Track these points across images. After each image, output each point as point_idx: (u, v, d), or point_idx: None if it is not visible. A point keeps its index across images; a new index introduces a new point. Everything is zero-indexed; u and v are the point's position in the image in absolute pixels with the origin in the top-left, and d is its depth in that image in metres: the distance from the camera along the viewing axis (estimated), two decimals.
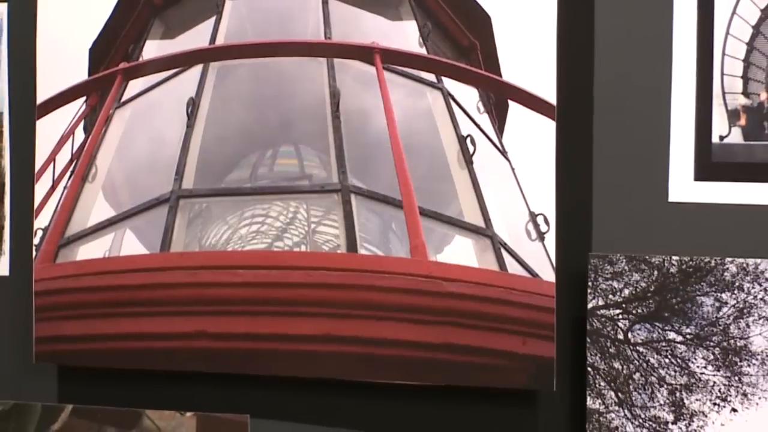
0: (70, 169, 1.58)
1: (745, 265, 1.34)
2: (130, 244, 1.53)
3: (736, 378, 1.34)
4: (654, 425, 1.37)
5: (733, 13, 1.37)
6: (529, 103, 1.40)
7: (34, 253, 1.58)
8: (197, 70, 1.54)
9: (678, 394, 1.36)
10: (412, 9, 1.47)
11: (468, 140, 1.45)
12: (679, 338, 1.36)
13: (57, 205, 1.57)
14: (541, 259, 1.39)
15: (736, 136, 1.39)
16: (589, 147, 1.43)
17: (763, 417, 1.34)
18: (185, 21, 1.56)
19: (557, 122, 1.38)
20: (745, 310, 1.34)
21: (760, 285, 1.34)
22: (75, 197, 1.57)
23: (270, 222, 1.50)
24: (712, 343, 1.35)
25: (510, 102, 1.42)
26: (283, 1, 1.51)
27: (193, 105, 1.54)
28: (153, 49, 1.56)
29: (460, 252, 1.42)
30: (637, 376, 1.37)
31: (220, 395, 1.54)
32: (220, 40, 1.53)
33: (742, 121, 1.38)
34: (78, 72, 1.57)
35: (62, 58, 1.57)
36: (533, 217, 1.40)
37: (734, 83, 1.38)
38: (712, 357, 1.35)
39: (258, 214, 1.51)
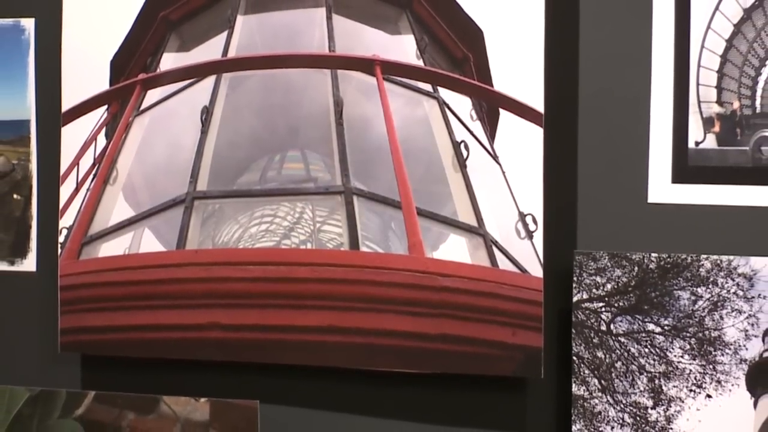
0: (93, 172, 1.57)
1: (719, 261, 1.34)
2: (149, 242, 1.53)
3: (711, 366, 1.35)
4: (634, 410, 1.37)
5: (708, 27, 1.38)
6: (518, 111, 1.40)
7: (59, 250, 1.58)
8: (211, 80, 1.54)
9: (657, 382, 1.36)
10: (410, 24, 1.47)
11: (462, 145, 1.45)
12: (658, 329, 1.36)
13: (80, 206, 1.57)
14: (529, 255, 1.39)
15: (710, 142, 1.39)
16: (574, 152, 1.43)
17: (735, 402, 1.34)
18: (199, 35, 1.55)
19: (545, 129, 1.38)
20: (719, 304, 1.34)
21: (733, 280, 1.34)
22: (97, 198, 1.56)
23: (278, 222, 1.50)
24: (688, 334, 1.35)
25: (501, 110, 1.41)
26: (291, 17, 1.51)
27: (206, 113, 1.53)
28: (169, 61, 1.56)
29: (454, 249, 1.42)
30: (618, 364, 1.37)
31: (232, 382, 1.55)
32: (231, 53, 1.53)
33: (716, 128, 1.39)
34: (100, 82, 1.57)
35: (85, 70, 1.57)
36: (522, 217, 1.40)
37: (709, 93, 1.38)
38: (688, 347, 1.35)
39: (267, 214, 1.51)
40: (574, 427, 1.39)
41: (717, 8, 1.37)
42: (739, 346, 1.34)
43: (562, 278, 1.41)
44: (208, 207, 1.53)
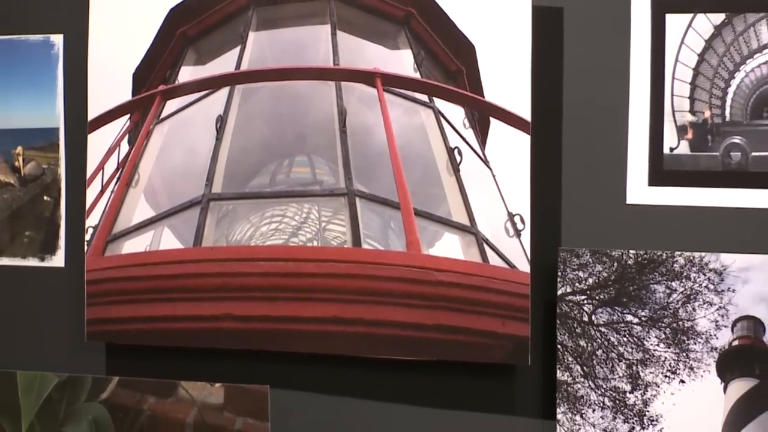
0: (117, 176, 1.57)
1: (691, 257, 1.35)
2: (168, 239, 1.53)
3: (684, 354, 1.35)
4: (614, 394, 1.37)
5: (682, 42, 1.38)
6: (507, 119, 1.40)
7: (85, 247, 1.57)
8: (225, 91, 1.54)
9: (634, 368, 1.37)
10: (408, 40, 1.47)
11: (455, 151, 1.45)
12: (636, 320, 1.36)
13: (105, 207, 1.57)
14: (517, 252, 1.39)
15: (684, 148, 1.39)
16: (559, 157, 1.43)
17: (706, 387, 1.35)
18: (214, 50, 1.55)
19: (531, 136, 1.38)
20: (691, 296, 1.35)
21: (705, 275, 1.34)
22: (120, 200, 1.56)
23: (287, 221, 1.50)
24: (663, 324, 1.36)
25: (491, 119, 1.41)
26: (298, 33, 1.51)
27: (221, 121, 1.53)
28: (187, 73, 1.56)
29: (448, 247, 1.42)
30: (599, 352, 1.38)
31: (244, 369, 1.55)
32: (244, 66, 1.53)
33: (689, 135, 1.39)
34: (123, 93, 1.57)
35: (110, 82, 1.57)
36: (511, 216, 1.40)
37: (682, 103, 1.39)
38: (663, 336, 1.36)
39: (276, 215, 1.51)
40: (558, 410, 1.39)
41: (690, 25, 1.38)
42: (710, 335, 1.35)
43: (548, 273, 1.41)
44: (222, 208, 1.53)
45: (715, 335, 1.35)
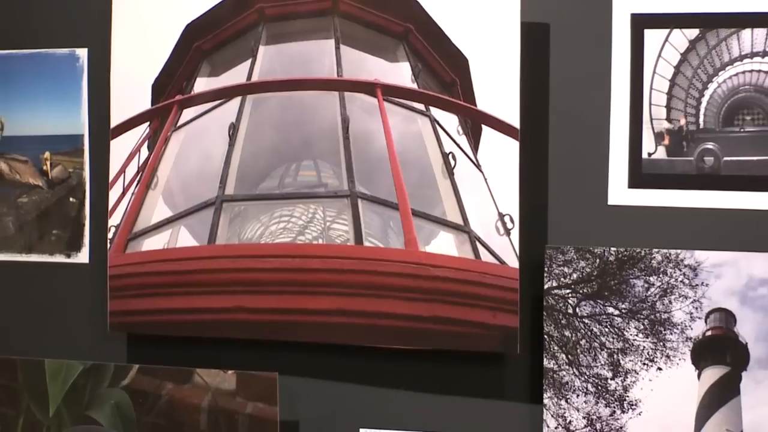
0: (137, 179, 1.58)
1: (668, 254, 1.36)
2: (184, 238, 1.54)
3: (661, 344, 1.36)
4: (596, 381, 1.38)
5: (659, 55, 1.39)
6: (498, 127, 1.40)
7: (108, 245, 1.59)
8: (237, 101, 1.54)
9: (615, 356, 1.37)
10: (406, 53, 1.47)
11: (450, 156, 1.45)
12: (616, 312, 1.37)
13: (126, 208, 1.58)
14: (507, 249, 1.39)
15: (661, 153, 1.40)
16: (545, 161, 1.44)
17: (682, 374, 1.36)
18: (227, 62, 1.55)
19: (520, 142, 1.39)
20: (668, 290, 1.36)
21: (680, 270, 1.35)
22: (140, 201, 1.57)
23: (294, 221, 1.51)
24: (642, 316, 1.37)
25: (483, 126, 1.42)
26: (305, 47, 1.51)
27: (233, 128, 1.54)
28: (202, 84, 1.56)
29: (443, 244, 1.43)
30: (583, 342, 1.39)
31: (255, 357, 1.55)
32: (255, 78, 1.53)
33: (666, 141, 1.39)
34: (143, 103, 1.58)
35: (130, 92, 1.57)
36: (501, 216, 1.41)
37: (660, 111, 1.39)
38: (642, 327, 1.37)
39: (284, 215, 1.51)
40: (545, 395, 1.41)
41: (666, 39, 1.39)
42: (685, 326, 1.36)
43: (535, 269, 1.42)
44: (234, 208, 1.53)
45: (689, 326, 1.36)
